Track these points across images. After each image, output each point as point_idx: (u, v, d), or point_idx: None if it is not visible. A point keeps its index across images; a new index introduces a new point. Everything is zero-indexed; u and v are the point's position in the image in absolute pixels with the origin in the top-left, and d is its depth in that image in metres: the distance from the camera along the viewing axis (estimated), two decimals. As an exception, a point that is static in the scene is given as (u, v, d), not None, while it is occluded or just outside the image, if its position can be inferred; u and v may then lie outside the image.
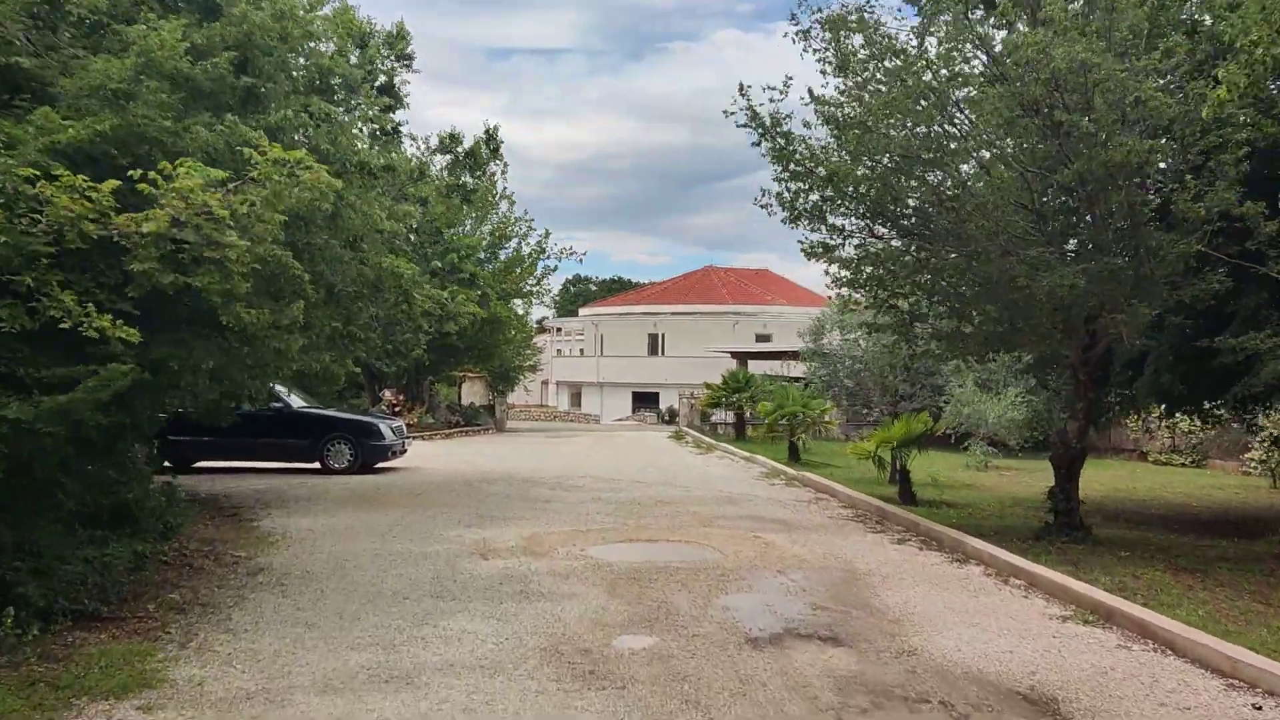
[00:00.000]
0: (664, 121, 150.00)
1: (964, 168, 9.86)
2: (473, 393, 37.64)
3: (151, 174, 5.54)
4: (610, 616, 6.87)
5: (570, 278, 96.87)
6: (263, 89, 9.32)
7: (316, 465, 16.15)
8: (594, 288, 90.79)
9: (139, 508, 8.54)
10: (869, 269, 11.28)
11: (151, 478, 9.24)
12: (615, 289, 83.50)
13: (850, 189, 10.37)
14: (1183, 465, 23.92)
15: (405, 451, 17.18)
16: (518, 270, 27.33)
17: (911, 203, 10.49)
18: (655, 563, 8.77)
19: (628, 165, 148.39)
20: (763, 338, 47.26)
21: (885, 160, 9.88)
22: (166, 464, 16.14)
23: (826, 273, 11.37)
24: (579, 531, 10.50)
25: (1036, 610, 7.27)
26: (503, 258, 26.77)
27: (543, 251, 28.74)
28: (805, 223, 11.40)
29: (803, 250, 11.52)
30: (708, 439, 26.27)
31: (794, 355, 33.83)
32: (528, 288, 29.58)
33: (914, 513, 11.66)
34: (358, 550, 9.24)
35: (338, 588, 7.70)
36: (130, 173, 5.56)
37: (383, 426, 16.55)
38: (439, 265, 23.96)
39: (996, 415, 20.76)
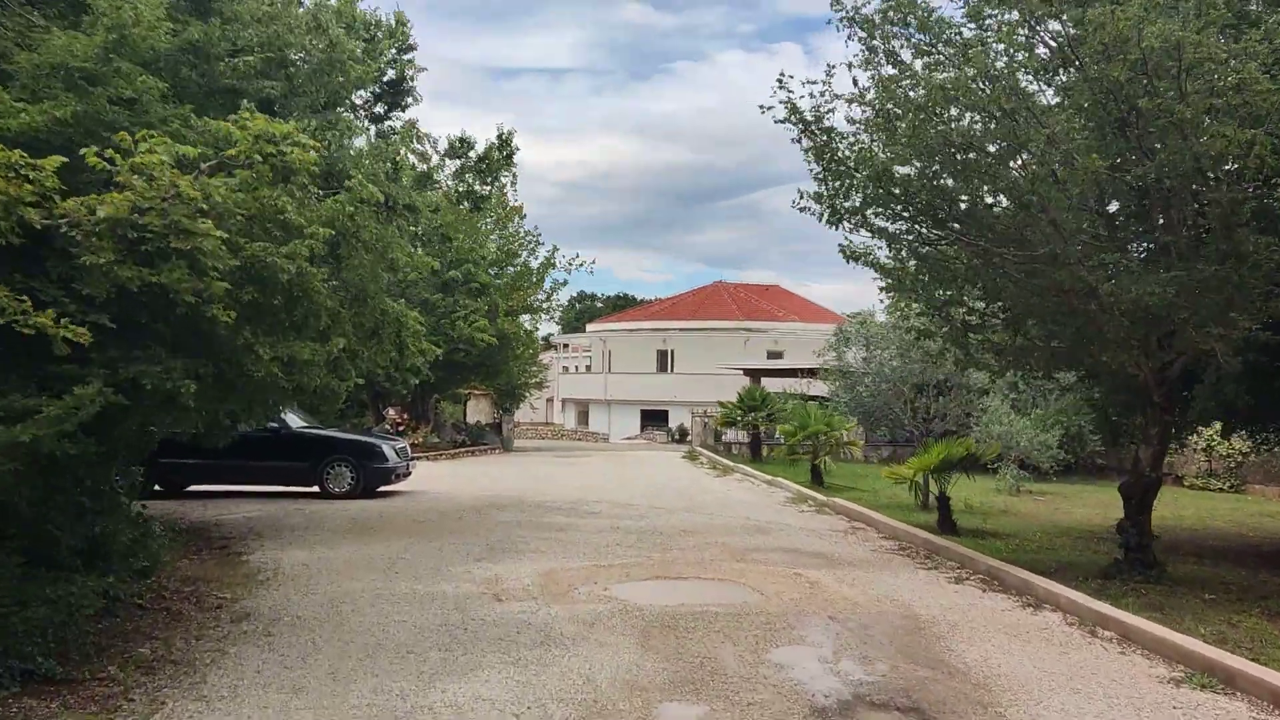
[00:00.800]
0: (667, 140, 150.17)
1: (1026, 160, 8.93)
2: (478, 410, 36.74)
3: (108, 150, 4.63)
4: (647, 676, 5.90)
5: (575, 295, 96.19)
6: (278, 92, 8.47)
7: (316, 489, 15.20)
8: (599, 304, 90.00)
9: (112, 541, 7.60)
10: (917, 274, 10.38)
11: (129, 507, 8.32)
12: (621, 305, 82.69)
13: (897, 189, 9.46)
14: (1220, 490, 22.85)
15: (410, 474, 16.23)
16: (527, 285, 26.42)
17: (964, 203, 9.58)
18: (690, 606, 7.80)
19: (631, 184, 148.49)
20: (774, 354, 46.32)
21: (938, 158, 8.97)
22: (157, 488, 15.30)
23: (874, 279, 10.47)
24: (600, 567, 9.53)
25: (1141, 671, 6.28)
26: (510, 273, 25.82)
27: (552, 264, 27.79)
28: (847, 225, 10.51)
29: (842, 253, 10.60)
30: (723, 460, 25.29)
31: (810, 373, 32.89)
32: (536, 302, 28.65)
33: (962, 544, 10.68)
34: (356, 590, 8.28)
35: (332, 638, 6.74)
36: (83, 151, 4.65)
37: (385, 448, 15.61)
38: (455, 276, 23.07)
39: (1029, 437, 19.81)
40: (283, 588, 8.36)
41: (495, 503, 14.94)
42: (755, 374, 38.07)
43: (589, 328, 55.94)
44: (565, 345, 60.84)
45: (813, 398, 26.86)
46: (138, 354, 5.81)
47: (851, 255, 10.64)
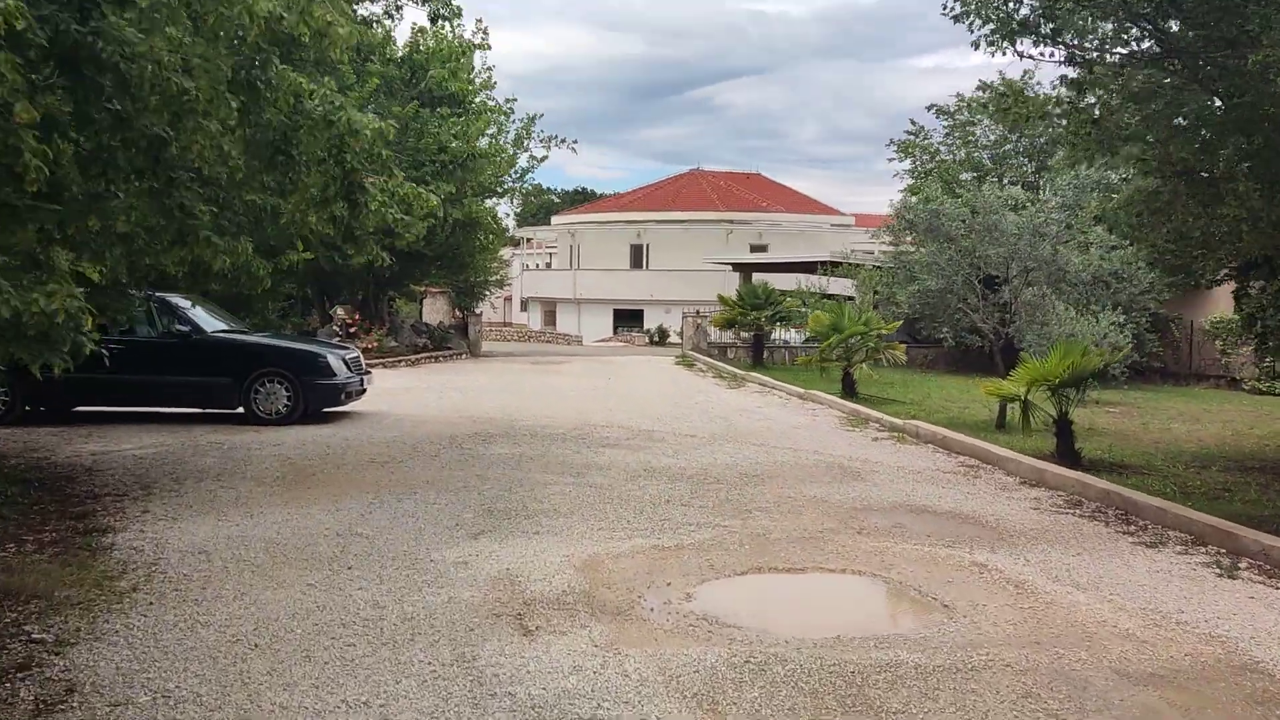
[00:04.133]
0: (622, 31, 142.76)
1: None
2: (435, 310, 32.95)
3: None
4: None
5: (530, 188, 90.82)
6: None
7: (240, 411, 11.66)
8: (556, 199, 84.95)
9: None
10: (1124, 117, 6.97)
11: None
12: (580, 200, 77.74)
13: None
14: (1283, 394, 20.27)
15: (364, 390, 12.71)
16: (499, 160, 22.37)
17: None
18: (852, 643, 4.56)
19: (583, 78, 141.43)
20: (758, 248, 42.85)
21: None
22: (30, 409, 11.66)
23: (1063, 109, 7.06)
24: (662, 549, 6.26)
25: None
26: (483, 145, 21.64)
27: (528, 135, 23.61)
28: (1020, 41, 7.01)
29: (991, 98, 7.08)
30: (727, 366, 22.07)
31: (808, 268, 29.52)
32: (508, 183, 24.59)
33: (1134, 490, 7.63)
34: (278, 612, 4.91)
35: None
36: None
37: (332, 358, 12.02)
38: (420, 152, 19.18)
39: (1096, 339, 16.85)
40: (153, 609, 4.94)
41: (478, 428, 11.54)
42: (745, 268, 34.64)
43: (554, 220, 51.74)
44: (529, 240, 56.67)
45: (829, 296, 23.61)
46: None
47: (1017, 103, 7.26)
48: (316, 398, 11.74)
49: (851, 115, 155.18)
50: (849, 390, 16.32)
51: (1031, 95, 8.91)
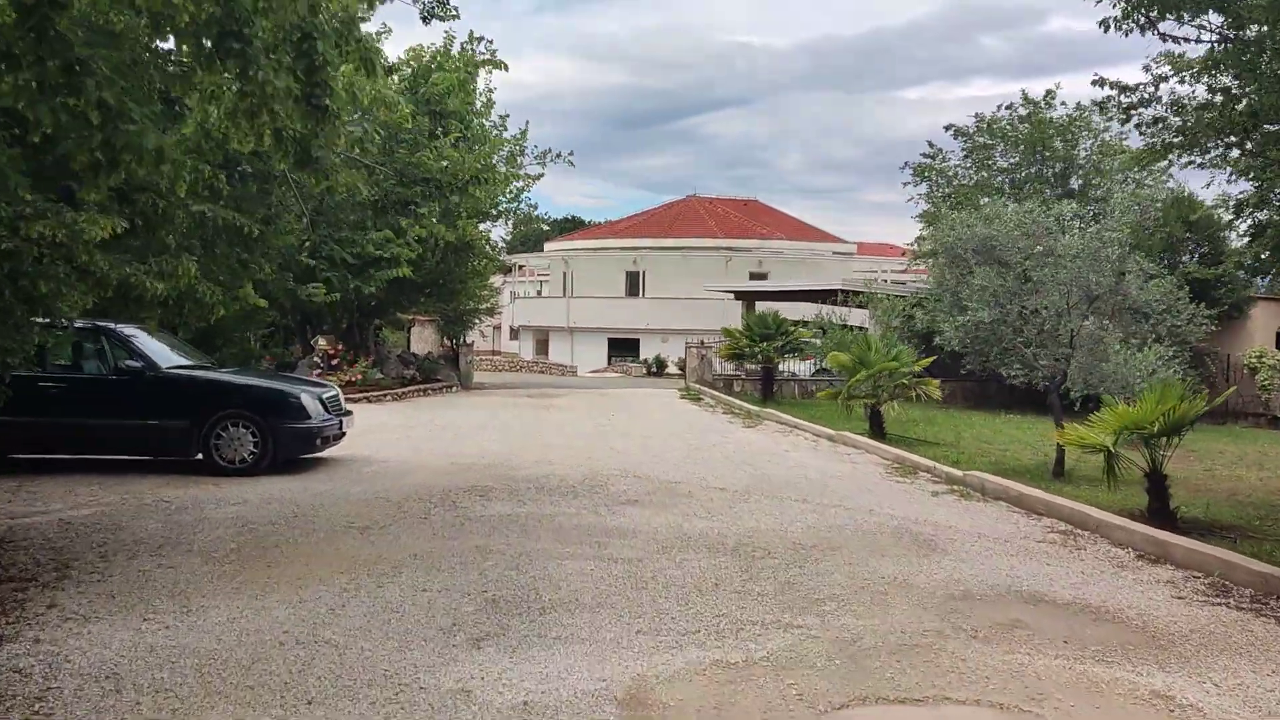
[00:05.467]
0: (607, 62, 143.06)
1: None
2: (423, 340, 31.38)
3: None
4: None
5: (519, 217, 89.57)
6: None
7: (201, 458, 10.08)
8: (546, 226, 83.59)
9: None
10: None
11: None
12: (569, 228, 76.37)
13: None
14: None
15: (343, 434, 11.13)
16: (493, 179, 20.86)
17: None
18: None
19: (569, 106, 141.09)
20: (757, 275, 41.52)
21: None
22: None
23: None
24: (729, 667, 4.73)
25: None
26: (475, 157, 20.08)
27: (521, 152, 22.09)
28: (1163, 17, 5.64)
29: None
30: (738, 401, 20.58)
31: (816, 296, 28.14)
32: (502, 204, 23.07)
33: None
34: (202, 798, 3.35)
35: None
36: None
37: (306, 398, 10.45)
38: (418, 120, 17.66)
39: (1145, 376, 15.44)
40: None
41: (474, 479, 9.99)
42: (748, 297, 33.26)
43: (547, 246, 50.31)
44: (520, 267, 55.25)
45: (848, 326, 22.22)
46: None
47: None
48: (287, 444, 10.17)
49: (838, 146, 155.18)
50: (877, 430, 14.87)
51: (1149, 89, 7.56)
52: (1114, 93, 7.72)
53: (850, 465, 11.85)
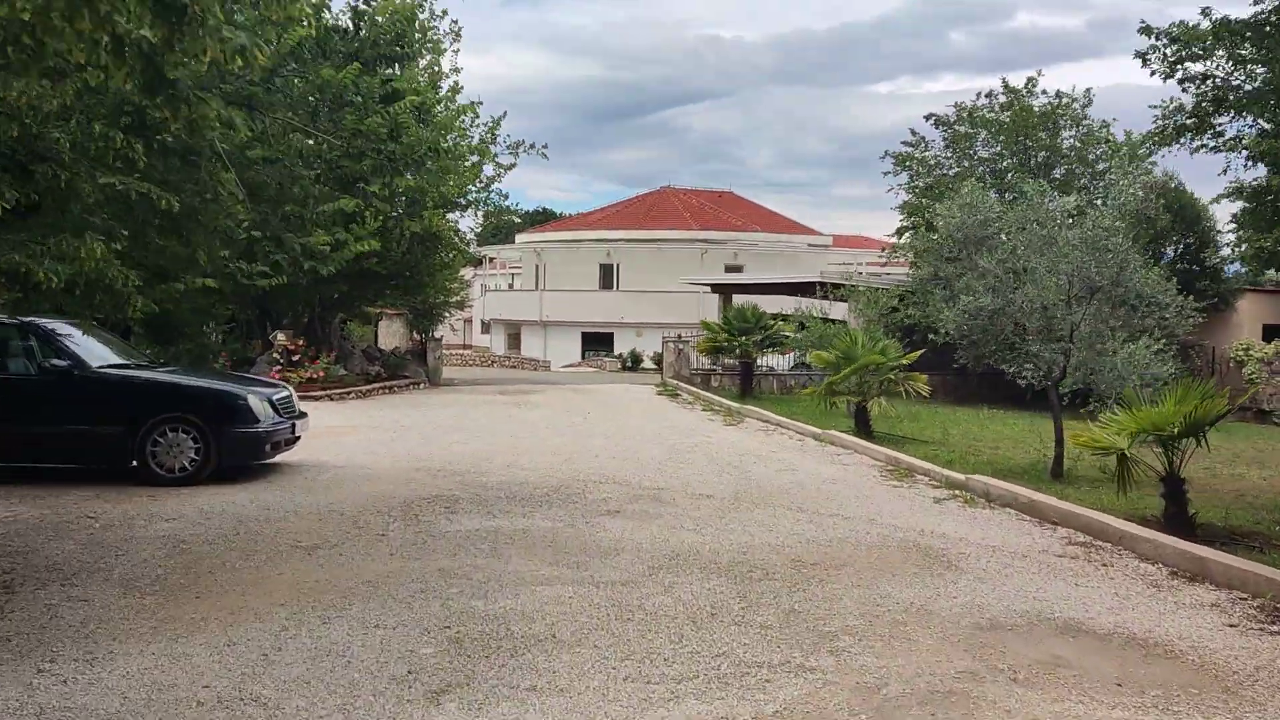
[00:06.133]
0: (579, 55, 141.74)
1: None
2: (391, 334, 30.38)
3: None
4: None
5: (491, 209, 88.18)
6: None
7: (135, 466, 9.16)
8: (518, 219, 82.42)
9: None
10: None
11: None
12: (541, 221, 75.30)
13: None
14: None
15: (297, 438, 10.24)
16: (463, 168, 19.92)
17: None
18: None
19: (540, 100, 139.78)
20: (733, 268, 40.85)
21: None
22: None
23: None
24: (736, 724, 3.97)
25: None
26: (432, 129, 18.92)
27: (493, 140, 21.11)
28: None
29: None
30: (716, 398, 19.85)
31: (794, 288, 27.47)
32: (472, 193, 22.12)
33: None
34: None
35: None
36: None
37: (254, 400, 9.54)
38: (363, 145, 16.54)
39: (1138, 370, 14.89)
40: None
41: (440, 488, 9.16)
42: (725, 290, 32.56)
43: (519, 238, 49.30)
44: (491, 259, 54.20)
45: (830, 320, 21.58)
46: None
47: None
48: (233, 450, 9.28)
49: (808, 140, 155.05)
50: (863, 427, 14.21)
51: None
52: (1160, 43, 7.07)
53: (841, 468, 11.14)
